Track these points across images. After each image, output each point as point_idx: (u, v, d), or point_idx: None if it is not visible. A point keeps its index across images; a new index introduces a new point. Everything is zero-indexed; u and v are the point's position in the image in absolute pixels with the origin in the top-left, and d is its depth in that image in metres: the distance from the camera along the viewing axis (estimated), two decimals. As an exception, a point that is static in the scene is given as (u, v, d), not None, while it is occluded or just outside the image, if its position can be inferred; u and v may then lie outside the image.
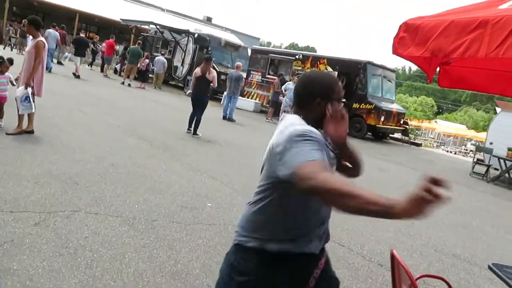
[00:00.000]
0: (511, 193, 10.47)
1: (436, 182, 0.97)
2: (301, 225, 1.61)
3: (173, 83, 21.83)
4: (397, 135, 18.24)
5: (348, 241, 4.30)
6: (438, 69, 2.93)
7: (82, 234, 3.29)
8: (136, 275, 2.86)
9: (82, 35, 17.43)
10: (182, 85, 20.02)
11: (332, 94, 1.61)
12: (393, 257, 2.13)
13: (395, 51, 2.07)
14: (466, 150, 27.75)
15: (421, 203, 1.00)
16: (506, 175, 11.51)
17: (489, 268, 2.52)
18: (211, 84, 9.00)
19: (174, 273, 3.00)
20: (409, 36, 1.99)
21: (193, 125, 8.93)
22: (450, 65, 2.90)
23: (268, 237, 1.58)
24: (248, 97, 18.38)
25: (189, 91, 9.64)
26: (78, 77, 15.12)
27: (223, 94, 14.79)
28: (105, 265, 2.91)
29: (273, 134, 1.64)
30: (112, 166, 5.23)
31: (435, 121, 43.81)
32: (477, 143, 21.29)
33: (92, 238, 3.26)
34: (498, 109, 13.82)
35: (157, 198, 4.43)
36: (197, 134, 8.85)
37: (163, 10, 37.49)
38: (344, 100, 1.67)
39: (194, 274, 3.04)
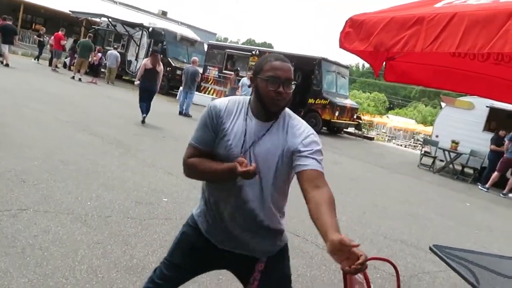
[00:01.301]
0: (455, 183, 11.15)
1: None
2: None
3: (126, 78, 21.26)
4: (351, 130, 18.85)
5: (303, 231, 4.43)
6: (384, 64, 3.09)
7: (31, 232, 3.17)
8: (90, 272, 2.80)
9: (9, 22, 16.15)
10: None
11: (261, 71, 1.62)
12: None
13: (342, 45, 2.18)
14: (415, 143, 29.12)
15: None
16: (451, 166, 12.24)
17: (430, 249, 2.71)
18: (158, 76, 9.77)
19: (130, 268, 2.97)
20: (354, 31, 2.09)
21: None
22: (394, 60, 3.07)
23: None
24: (205, 93, 18.27)
25: (137, 81, 9.82)
26: (7, 65, 14.45)
27: (178, 89, 14.62)
28: (57, 263, 2.83)
29: None
30: (62, 162, 5.06)
31: (387, 116, 45.66)
32: (425, 136, 22.41)
33: (42, 236, 3.16)
34: (443, 104, 14.62)
35: (110, 194, 4.34)
36: (144, 121, 9.46)
37: (115, 2, 36.25)
38: (286, 85, 1.60)
39: (150, 268, 3.01)
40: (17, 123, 6.82)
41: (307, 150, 1.60)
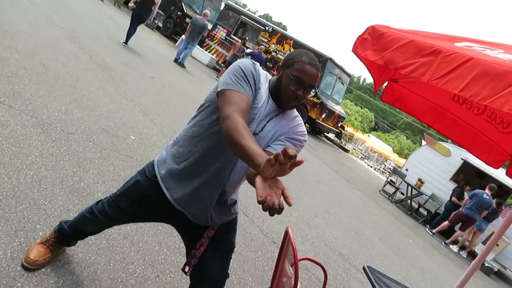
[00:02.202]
0: (407, 218, 11.49)
1: (289, 156, 1.06)
2: None
3: (135, 7, 20.56)
4: (331, 136, 19.04)
5: (252, 213, 4.47)
6: (386, 83, 3.09)
7: (-12, 121, 3.06)
8: (34, 179, 2.74)
9: None
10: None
11: (290, 66, 1.61)
12: (286, 233, 2.27)
13: (355, 50, 2.16)
14: (384, 170, 29.73)
15: (268, 166, 1.11)
16: (409, 201, 12.60)
17: (363, 268, 2.78)
18: (154, 6, 10.22)
19: (75, 189, 2.93)
20: (371, 40, 2.07)
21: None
22: (397, 83, 3.08)
23: None
24: (206, 50, 17.93)
25: (132, 4, 10.02)
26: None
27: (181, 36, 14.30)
28: (4, 159, 2.75)
29: None
30: (42, 65, 4.87)
31: (368, 135, 46.31)
32: (396, 167, 22.90)
33: (-2, 129, 3.05)
34: (423, 142, 14.93)
35: (80, 113, 4.23)
36: (126, 44, 9.76)
37: None
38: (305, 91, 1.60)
39: (95, 196, 2.99)
40: (8, 9, 6.49)
41: (287, 141, 1.65)
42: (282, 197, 1.13)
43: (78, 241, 2.31)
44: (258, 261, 3.59)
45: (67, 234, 2.15)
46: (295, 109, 1.77)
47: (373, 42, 2.05)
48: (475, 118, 3.05)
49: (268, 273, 3.41)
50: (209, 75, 14.80)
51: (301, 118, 1.77)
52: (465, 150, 12.34)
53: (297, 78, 1.58)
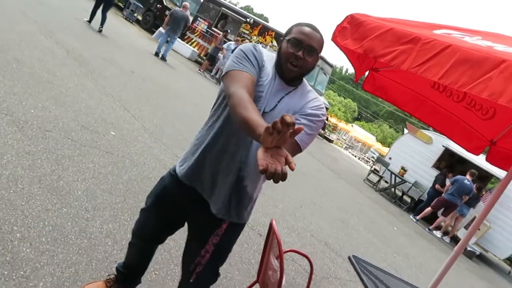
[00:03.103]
0: (391, 206, 11.66)
1: (287, 124, 1.03)
2: None
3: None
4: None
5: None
6: (367, 72, 3.09)
7: (-40, 121, 2.95)
8: (11, 179, 2.66)
9: None
10: (123, 6, 18.58)
11: (288, 33, 1.60)
12: (271, 226, 2.25)
13: (334, 39, 2.14)
14: (368, 159, 30.07)
15: (267, 135, 1.09)
16: (392, 189, 12.77)
17: (349, 258, 2.79)
18: None
19: (54, 188, 2.85)
20: (350, 29, 2.05)
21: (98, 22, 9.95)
22: (378, 72, 3.07)
23: None
24: (187, 43, 17.72)
25: None
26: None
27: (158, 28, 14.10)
28: (-22, 159, 2.66)
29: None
30: (16, 61, 4.72)
31: (352, 125, 46.72)
32: (379, 155, 23.17)
33: (-29, 128, 2.95)
34: (405, 131, 15.11)
35: (58, 109, 4.12)
36: (101, 30, 9.94)
37: None
38: (304, 50, 1.54)
39: (75, 195, 2.92)
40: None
41: (303, 119, 1.58)
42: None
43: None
44: (245, 254, 3.58)
45: (119, 272, 2.12)
46: (306, 84, 1.70)
47: (352, 31, 2.03)
48: (455, 105, 3.08)
49: (254, 266, 3.40)
50: (190, 68, 14.65)
51: (315, 93, 1.69)
52: (446, 137, 12.57)
53: (295, 39, 1.57)
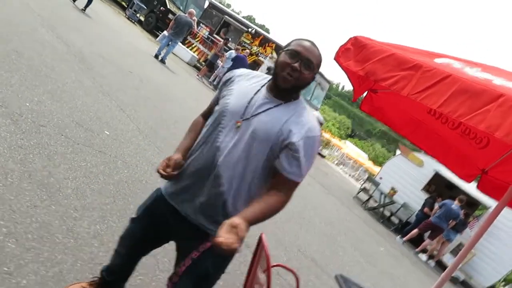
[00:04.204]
0: (378, 226, 11.68)
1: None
2: None
3: (117, -1, 20.24)
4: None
5: (226, 215, 4.43)
6: (366, 93, 3.12)
7: (-46, 109, 2.92)
8: (1, 173, 2.63)
9: None
10: (126, 5, 18.62)
11: (287, 46, 1.62)
12: (260, 240, 2.24)
13: (337, 58, 2.16)
14: (359, 177, 30.14)
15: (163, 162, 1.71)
16: (381, 209, 12.80)
17: (335, 277, 2.79)
18: None
19: (44, 184, 2.82)
20: (354, 51, 2.08)
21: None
22: (376, 93, 3.11)
23: None
24: (188, 47, 17.76)
25: None
26: None
27: (163, 31, 14.13)
28: (-31, 150, 2.63)
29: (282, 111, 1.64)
30: (16, 53, 4.70)
31: (345, 142, 46.86)
32: (369, 175, 23.26)
33: (-36, 117, 2.91)
34: (398, 152, 15.21)
35: (54, 104, 4.09)
36: (84, 10, 10.59)
37: None
38: (297, 65, 1.55)
39: (65, 193, 2.89)
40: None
41: (299, 151, 1.56)
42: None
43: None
44: (230, 265, 3.54)
45: (102, 275, 2.06)
46: (303, 101, 1.68)
47: (355, 53, 2.06)
48: (449, 132, 3.11)
49: (239, 277, 3.37)
50: (189, 73, 14.68)
51: (310, 113, 1.66)
52: (437, 161, 12.62)
53: (293, 50, 1.58)
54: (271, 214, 1.65)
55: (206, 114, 1.84)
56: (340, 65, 2.17)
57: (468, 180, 3.44)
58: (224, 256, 1.77)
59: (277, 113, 1.62)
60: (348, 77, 2.42)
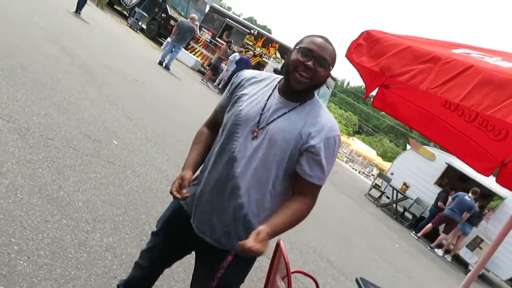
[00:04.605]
0: (392, 222, 11.55)
1: None
2: None
3: (118, 8, 20.30)
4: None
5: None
6: (377, 89, 3.04)
7: (-39, 127, 2.89)
8: (10, 189, 2.59)
9: None
10: (128, 14, 18.67)
11: (299, 43, 1.54)
12: (278, 246, 2.17)
13: (349, 55, 2.08)
14: (369, 173, 29.94)
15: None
16: (394, 205, 12.65)
17: (356, 280, 2.71)
18: None
19: (54, 198, 2.77)
20: (366, 46, 2.00)
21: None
22: (388, 89, 3.02)
23: None
24: (191, 52, 17.76)
25: None
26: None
27: (166, 39, 14.14)
28: (-23, 167, 2.59)
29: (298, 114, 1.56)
30: (21, 66, 4.68)
31: (353, 139, 46.67)
32: (379, 171, 23.07)
33: (-29, 134, 2.88)
34: (408, 146, 15.04)
35: (61, 117, 4.06)
36: (79, 13, 10.92)
37: None
38: (311, 63, 1.46)
39: (75, 206, 2.85)
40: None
41: (320, 153, 1.49)
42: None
43: None
44: (246, 271, 3.48)
45: None
46: (318, 100, 1.59)
47: (368, 48, 1.98)
48: (466, 125, 3.01)
49: (257, 284, 3.31)
50: (193, 78, 14.66)
51: (327, 112, 1.57)
52: (449, 154, 12.41)
53: (305, 48, 1.48)
54: (298, 219, 1.60)
55: (210, 123, 1.79)
56: (352, 62, 2.09)
57: (487, 173, 3.33)
58: (245, 267, 1.72)
59: (293, 117, 1.54)
60: (360, 73, 2.33)
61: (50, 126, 3.72)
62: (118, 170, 3.76)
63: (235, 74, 1.72)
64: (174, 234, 1.78)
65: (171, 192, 1.59)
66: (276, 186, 1.57)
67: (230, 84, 1.70)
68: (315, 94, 1.62)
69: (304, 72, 1.47)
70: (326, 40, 1.52)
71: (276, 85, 1.63)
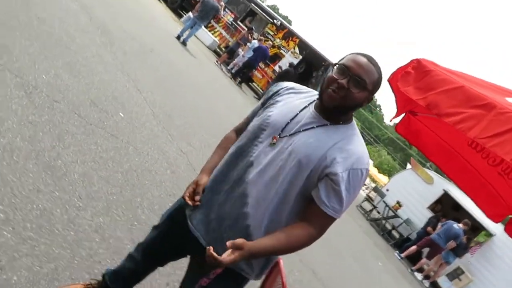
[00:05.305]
0: (379, 239, 11.50)
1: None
2: None
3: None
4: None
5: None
6: (403, 114, 2.89)
7: (-34, 73, 2.73)
8: (7, 149, 2.44)
9: None
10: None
11: (341, 60, 1.44)
12: (277, 266, 2.05)
13: (393, 81, 1.93)
14: (365, 184, 29.88)
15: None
16: (383, 222, 12.59)
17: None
18: None
19: (51, 167, 2.64)
20: (415, 75, 1.85)
21: None
22: (416, 116, 2.88)
23: None
24: (210, 31, 17.44)
25: None
26: None
27: (188, 12, 13.87)
28: (-24, 121, 2.44)
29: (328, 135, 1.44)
30: (38, 19, 4.49)
31: (352, 145, 46.30)
32: (375, 184, 23.02)
33: (-25, 84, 2.73)
34: (408, 166, 14.94)
35: (71, 79, 3.89)
36: None
37: None
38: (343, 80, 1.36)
39: (71, 178, 2.71)
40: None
41: (340, 183, 1.36)
42: None
43: None
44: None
45: (104, 280, 1.90)
46: (355, 127, 1.48)
47: (417, 78, 1.83)
48: (488, 168, 2.88)
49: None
50: (208, 58, 14.42)
51: (361, 140, 1.46)
52: (447, 180, 12.24)
53: (343, 65, 1.38)
54: (293, 248, 1.46)
55: (240, 130, 1.67)
56: (394, 87, 1.95)
57: (496, 220, 3.22)
58: (234, 285, 1.60)
59: (322, 136, 1.42)
60: (396, 98, 2.19)
61: (58, 88, 3.56)
62: (120, 145, 3.62)
63: (275, 84, 1.62)
64: (174, 232, 1.67)
65: (183, 197, 1.51)
66: (285, 206, 1.45)
67: (266, 92, 1.63)
68: (353, 120, 1.49)
69: (337, 90, 1.35)
70: (371, 60, 1.38)
71: (314, 100, 1.51)
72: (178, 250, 1.71)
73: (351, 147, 1.41)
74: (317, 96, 1.51)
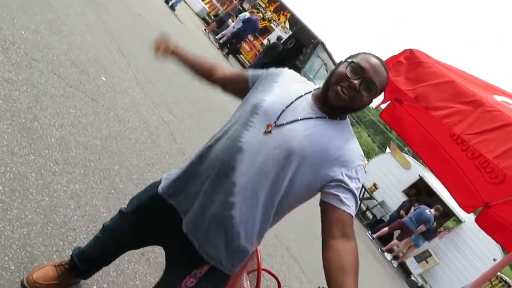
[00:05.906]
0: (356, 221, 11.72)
1: None
2: None
3: None
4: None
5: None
6: (389, 101, 2.89)
7: None
8: (-21, 108, 2.34)
9: None
10: None
11: (352, 57, 1.39)
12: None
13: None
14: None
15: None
16: (361, 205, 12.87)
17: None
18: None
19: (26, 129, 2.54)
20: (407, 66, 1.83)
21: None
22: (401, 104, 2.88)
23: None
24: (199, -2, 16.94)
25: None
26: None
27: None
28: None
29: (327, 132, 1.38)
30: (19, -31, 4.24)
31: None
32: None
33: None
34: (388, 150, 15.17)
35: (51, 37, 3.73)
36: None
37: None
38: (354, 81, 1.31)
39: (47, 142, 2.63)
40: None
41: (350, 183, 1.32)
42: None
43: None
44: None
45: (73, 260, 1.85)
46: (349, 124, 1.43)
47: (408, 69, 1.81)
48: (466, 161, 2.94)
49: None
50: (197, 25, 14.07)
51: (355, 142, 1.41)
52: (424, 166, 12.46)
53: (358, 65, 1.32)
54: (358, 269, 1.32)
55: (221, 77, 1.74)
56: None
57: (469, 210, 3.31)
58: (219, 285, 1.53)
59: (321, 130, 1.35)
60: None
61: (37, 45, 3.40)
62: (100, 110, 3.52)
63: (279, 69, 1.56)
64: (144, 221, 1.59)
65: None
66: (277, 197, 1.38)
67: (269, 70, 1.56)
68: (347, 117, 1.47)
69: (347, 90, 1.30)
70: (383, 64, 1.35)
71: (311, 91, 1.46)
72: (149, 240, 1.64)
73: (353, 145, 1.40)
74: (314, 88, 1.47)
